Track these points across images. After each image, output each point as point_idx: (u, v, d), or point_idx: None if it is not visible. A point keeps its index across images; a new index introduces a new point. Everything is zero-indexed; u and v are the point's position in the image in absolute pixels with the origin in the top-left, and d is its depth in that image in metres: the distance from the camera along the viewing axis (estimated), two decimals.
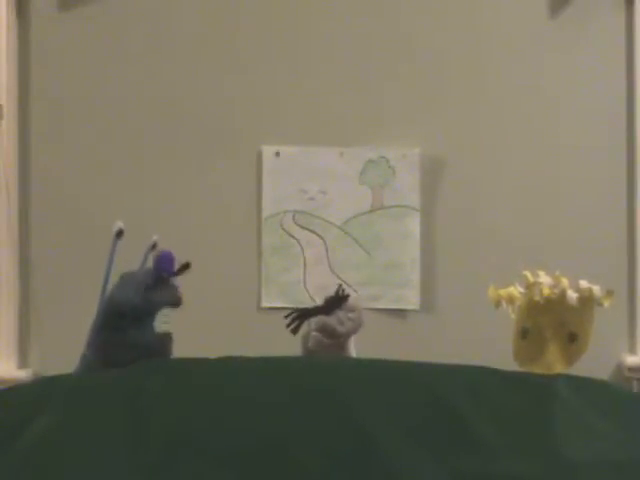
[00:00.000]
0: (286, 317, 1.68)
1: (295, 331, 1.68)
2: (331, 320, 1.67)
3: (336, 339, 1.67)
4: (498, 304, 1.47)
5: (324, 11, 2.56)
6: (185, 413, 1.23)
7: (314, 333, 1.67)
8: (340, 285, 1.74)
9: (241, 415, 1.23)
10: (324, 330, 1.66)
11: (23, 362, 2.56)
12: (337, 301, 1.69)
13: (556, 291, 1.42)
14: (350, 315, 1.68)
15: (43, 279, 2.55)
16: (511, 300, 1.46)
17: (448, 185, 2.54)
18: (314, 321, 1.68)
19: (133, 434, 1.21)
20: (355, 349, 1.72)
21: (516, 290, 1.47)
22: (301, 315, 1.68)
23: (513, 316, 1.46)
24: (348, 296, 1.70)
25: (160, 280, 1.43)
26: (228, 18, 2.56)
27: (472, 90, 2.54)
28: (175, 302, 1.45)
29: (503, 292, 1.47)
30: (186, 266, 1.46)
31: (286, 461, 1.17)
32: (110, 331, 1.43)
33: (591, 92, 2.53)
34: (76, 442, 1.21)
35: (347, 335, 1.68)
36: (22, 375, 2.49)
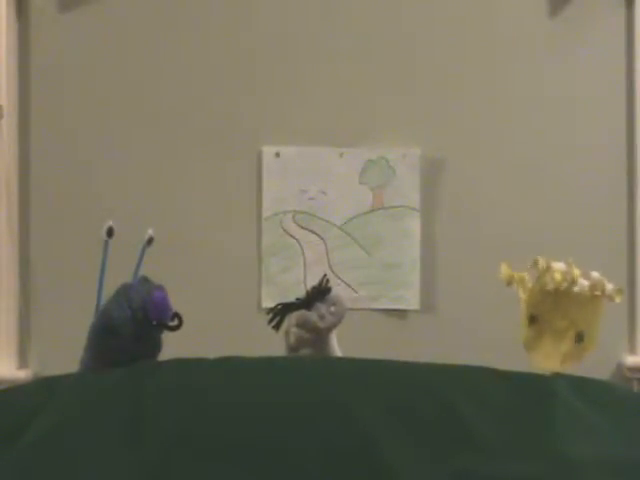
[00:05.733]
0: (268, 313, 1.66)
1: (277, 327, 1.64)
2: (311, 315, 1.62)
3: (317, 334, 1.63)
4: (510, 283, 1.46)
5: (324, 11, 2.56)
6: (185, 413, 1.23)
7: (294, 329, 1.61)
8: (325, 275, 1.69)
9: (241, 415, 1.23)
10: (304, 325, 1.62)
11: (23, 362, 2.56)
12: (318, 294, 1.65)
13: (567, 279, 1.42)
14: (332, 309, 1.62)
15: (43, 279, 2.56)
16: (522, 282, 1.46)
17: (448, 185, 2.54)
18: (294, 316, 1.62)
19: (133, 434, 1.21)
20: (339, 345, 1.69)
21: (527, 273, 1.46)
22: (281, 310, 1.65)
23: (522, 297, 1.45)
24: (330, 289, 1.65)
25: (147, 328, 1.42)
26: (228, 18, 2.57)
27: (472, 90, 2.55)
28: (156, 353, 1.46)
29: (515, 274, 1.47)
30: (177, 320, 1.43)
31: (286, 461, 1.17)
32: (103, 346, 1.43)
33: (591, 92, 2.53)
34: (76, 442, 1.21)
35: (328, 330, 1.62)
36: (22, 375, 2.49)
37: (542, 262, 1.45)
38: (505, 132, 2.55)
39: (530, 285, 1.45)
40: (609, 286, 1.43)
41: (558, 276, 1.42)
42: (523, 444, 1.21)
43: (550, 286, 1.42)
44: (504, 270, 1.47)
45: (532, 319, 1.44)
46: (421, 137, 2.54)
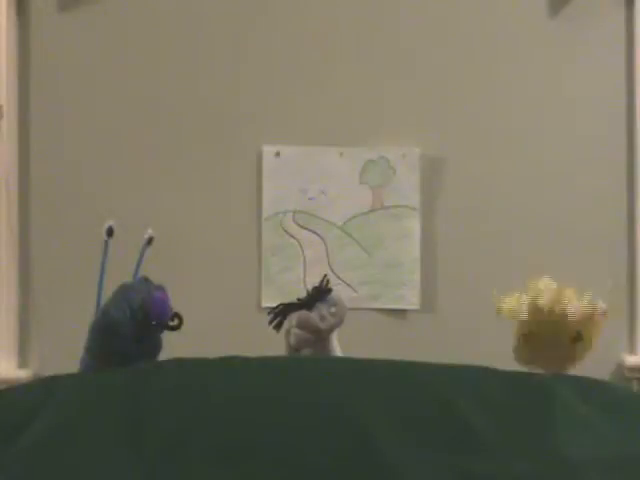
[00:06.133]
0: (269, 314, 1.65)
1: (278, 328, 1.64)
2: (312, 316, 1.62)
3: (317, 335, 1.63)
4: (500, 312, 1.47)
5: (324, 11, 2.56)
6: (185, 413, 1.23)
7: (294, 329, 1.61)
8: (325, 276, 1.69)
9: (240, 415, 1.23)
10: (305, 326, 1.61)
11: (23, 362, 2.56)
12: (319, 295, 1.65)
13: (558, 306, 1.42)
14: (332, 310, 1.62)
15: (43, 279, 2.55)
16: (514, 311, 1.46)
17: (448, 185, 2.54)
18: (295, 316, 1.63)
19: (133, 434, 1.21)
20: (339, 345, 1.68)
21: (520, 300, 1.46)
22: (282, 311, 1.65)
23: (515, 322, 1.45)
24: (330, 289, 1.65)
25: (147, 328, 1.42)
26: (228, 18, 2.56)
27: (472, 90, 2.54)
28: (156, 353, 1.46)
29: (507, 303, 1.47)
30: (177, 320, 1.44)
31: (286, 461, 1.17)
32: (103, 346, 1.44)
33: (591, 92, 2.53)
34: (76, 442, 1.21)
35: (328, 330, 1.63)
36: (22, 375, 2.49)
37: (532, 290, 1.45)
38: (505, 132, 2.54)
39: (522, 310, 1.45)
40: (601, 306, 1.43)
41: (547, 307, 1.42)
42: (523, 444, 1.21)
43: (542, 304, 1.42)
44: (495, 301, 1.47)
45: (526, 337, 1.44)
46: (421, 137, 2.54)
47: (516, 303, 1.46)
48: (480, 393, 1.29)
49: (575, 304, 1.42)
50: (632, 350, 2.53)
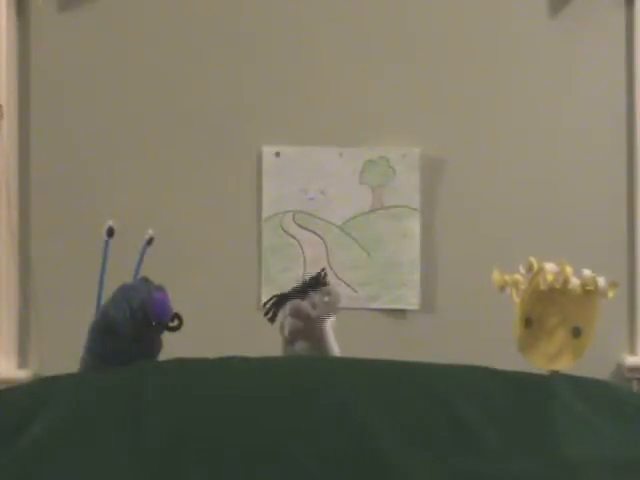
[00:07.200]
0: (263, 305, 1.66)
1: (272, 319, 1.64)
2: (304, 303, 1.62)
3: (310, 323, 1.62)
4: (502, 288, 1.46)
5: (324, 11, 2.56)
6: (185, 413, 1.23)
7: (288, 318, 1.62)
8: (323, 269, 1.69)
9: (240, 415, 1.23)
10: (296, 314, 1.61)
11: (23, 362, 2.56)
12: (312, 284, 1.65)
13: (560, 279, 1.42)
14: (326, 299, 1.62)
15: (43, 279, 2.56)
16: (515, 285, 1.45)
17: (448, 185, 2.54)
18: (288, 305, 1.63)
19: (133, 434, 1.21)
20: (338, 343, 1.67)
21: (521, 276, 1.46)
22: (276, 302, 1.65)
23: (517, 300, 1.45)
24: (326, 281, 1.65)
25: (147, 328, 1.42)
26: (228, 18, 2.56)
27: (472, 90, 2.54)
28: (156, 353, 1.46)
29: (508, 277, 1.47)
30: (177, 320, 1.44)
31: (286, 461, 1.17)
32: (103, 346, 1.44)
33: (591, 92, 2.53)
34: (76, 442, 1.22)
35: (320, 319, 1.62)
36: (22, 375, 2.49)
37: (535, 263, 1.45)
38: (505, 132, 2.54)
39: (524, 287, 1.45)
40: (602, 281, 1.43)
41: (550, 277, 1.42)
42: (523, 444, 1.21)
43: (543, 287, 1.42)
44: (496, 275, 1.47)
45: (527, 322, 1.44)
46: (421, 137, 2.54)
47: (517, 278, 1.46)
48: (480, 393, 1.29)
49: (576, 280, 1.42)
50: (632, 350, 2.53)
